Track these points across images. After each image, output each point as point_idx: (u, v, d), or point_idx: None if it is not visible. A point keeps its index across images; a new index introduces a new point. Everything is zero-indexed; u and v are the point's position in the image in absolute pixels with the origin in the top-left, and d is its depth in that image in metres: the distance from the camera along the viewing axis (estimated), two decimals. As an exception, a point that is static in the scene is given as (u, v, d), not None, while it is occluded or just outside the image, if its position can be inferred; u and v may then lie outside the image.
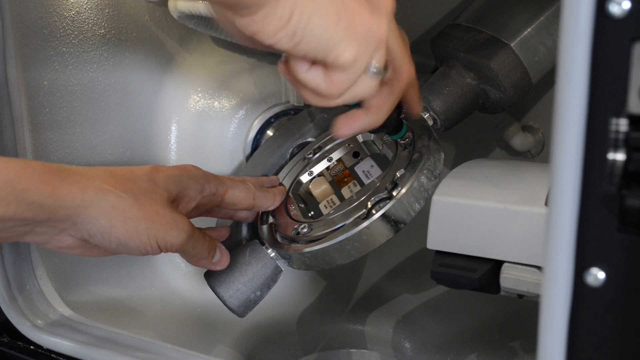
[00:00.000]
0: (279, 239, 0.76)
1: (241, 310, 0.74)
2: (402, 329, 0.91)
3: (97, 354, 0.76)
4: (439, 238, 0.67)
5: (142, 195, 0.64)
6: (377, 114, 0.63)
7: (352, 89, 0.57)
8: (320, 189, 0.81)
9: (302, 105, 0.85)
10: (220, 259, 0.72)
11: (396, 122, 0.70)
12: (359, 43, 0.54)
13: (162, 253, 0.67)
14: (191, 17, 0.85)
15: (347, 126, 0.64)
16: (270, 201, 0.76)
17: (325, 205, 0.78)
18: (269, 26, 0.51)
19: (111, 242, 0.63)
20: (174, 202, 0.67)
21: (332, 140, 0.85)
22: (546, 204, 0.54)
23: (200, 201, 0.71)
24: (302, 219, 0.77)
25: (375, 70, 0.57)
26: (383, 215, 0.70)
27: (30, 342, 0.81)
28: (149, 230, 0.63)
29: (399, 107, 0.68)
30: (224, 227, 0.78)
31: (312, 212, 0.79)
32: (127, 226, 0.62)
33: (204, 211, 0.76)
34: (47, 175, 0.60)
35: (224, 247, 0.73)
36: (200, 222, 0.77)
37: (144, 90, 0.91)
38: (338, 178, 0.81)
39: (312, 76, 0.56)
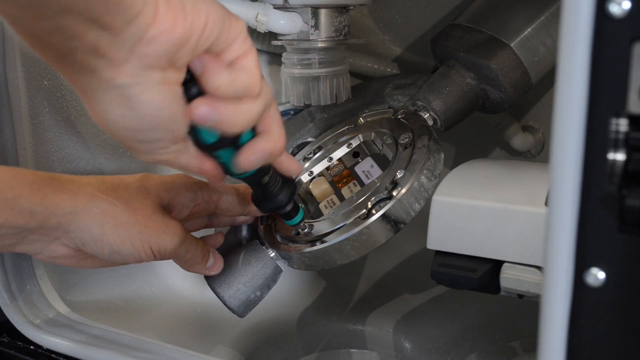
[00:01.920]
0: (278, 239, 0.76)
1: (241, 310, 0.74)
2: (402, 329, 0.91)
3: (97, 354, 0.76)
4: (439, 238, 0.67)
5: (133, 201, 0.64)
6: (272, 136, 0.58)
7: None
8: (320, 189, 0.81)
9: (302, 105, 0.85)
10: (214, 264, 0.72)
11: (288, 198, 0.66)
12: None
13: (157, 260, 0.66)
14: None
15: (253, 154, 0.56)
16: None
17: (325, 205, 0.78)
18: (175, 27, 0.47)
19: (104, 249, 0.63)
20: (166, 209, 0.67)
21: (332, 140, 0.85)
22: (546, 204, 0.54)
23: (193, 209, 0.70)
24: (302, 219, 0.77)
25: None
26: (383, 216, 0.70)
27: (30, 342, 0.81)
28: (142, 235, 0.63)
29: (291, 186, 0.66)
30: (218, 234, 0.78)
31: (312, 212, 0.79)
32: (119, 232, 0.62)
33: (202, 222, 0.76)
34: (38, 183, 0.60)
35: (217, 252, 0.73)
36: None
37: (144, 90, 0.91)
38: (338, 178, 0.81)
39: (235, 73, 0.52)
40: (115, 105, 0.49)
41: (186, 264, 0.69)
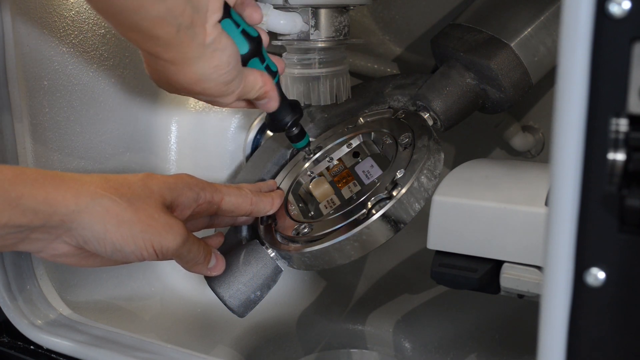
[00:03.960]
0: (279, 239, 0.76)
1: (241, 310, 0.74)
2: (402, 329, 0.91)
3: (97, 354, 0.76)
4: (439, 238, 0.67)
5: (136, 200, 0.64)
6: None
7: None
8: (320, 189, 0.81)
9: (302, 105, 0.85)
10: (216, 265, 0.72)
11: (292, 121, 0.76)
12: None
13: (159, 260, 0.66)
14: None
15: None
16: (268, 205, 0.76)
17: (325, 206, 0.78)
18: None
19: (106, 247, 0.62)
20: (169, 208, 0.67)
21: (332, 140, 0.85)
22: (546, 204, 0.54)
23: (195, 209, 0.70)
24: (302, 219, 0.77)
25: None
26: (383, 215, 0.70)
27: (30, 342, 0.81)
28: (144, 234, 0.63)
29: (297, 112, 0.76)
30: (218, 234, 0.78)
31: (312, 212, 0.79)
32: (121, 230, 0.62)
33: (203, 222, 0.76)
34: (40, 181, 0.60)
35: (219, 252, 0.73)
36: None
37: (144, 90, 0.91)
38: (338, 178, 0.81)
39: None
40: (208, 61, 0.62)
41: (188, 264, 0.69)
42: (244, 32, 0.66)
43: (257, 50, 0.68)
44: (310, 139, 0.88)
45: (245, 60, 0.67)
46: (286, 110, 0.75)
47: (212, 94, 0.66)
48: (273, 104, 0.72)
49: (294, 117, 0.75)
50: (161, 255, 0.65)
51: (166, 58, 0.61)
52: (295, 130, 0.77)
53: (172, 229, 0.64)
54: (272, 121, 0.76)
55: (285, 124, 0.76)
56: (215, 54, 0.62)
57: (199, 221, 0.75)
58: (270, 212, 0.77)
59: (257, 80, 0.69)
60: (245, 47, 0.66)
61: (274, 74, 0.71)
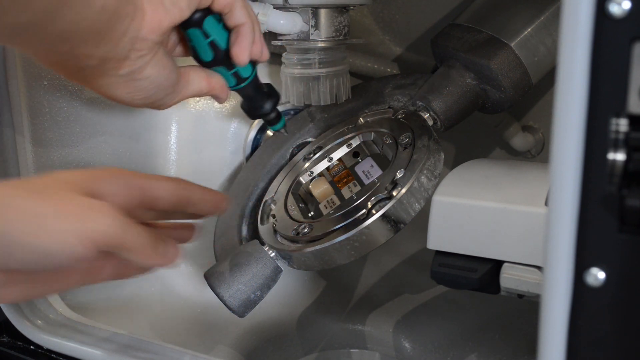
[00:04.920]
0: (279, 239, 0.76)
1: (241, 310, 0.74)
2: (402, 329, 0.91)
3: (97, 354, 0.76)
4: (439, 238, 0.67)
5: (48, 190, 0.53)
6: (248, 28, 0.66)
7: None
8: (320, 189, 0.81)
9: (302, 105, 0.85)
10: (167, 253, 0.58)
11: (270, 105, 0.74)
12: None
13: (100, 254, 0.53)
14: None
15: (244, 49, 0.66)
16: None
17: (325, 206, 0.78)
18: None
19: (25, 254, 0.51)
20: (91, 195, 0.56)
21: (332, 140, 0.85)
22: (546, 204, 0.54)
23: (127, 198, 0.59)
24: (302, 219, 0.77)
25: None
26: (383, 216, 0.70)
27: (30, 342, 0.81)
28: (63, 224, 0.51)
29: (275, 97, 0.73)
30: (187, 225, 0.67)
31: (312, 212, 0.79)
32: (32, 226, 0.51)
33: (156, 215, 0.65)
34: None
35: (173, 240, 0.60)
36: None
37: (144, 90, 0.91)
38: (338, 178, 0.81)
39: None
40: (123, 88, 0.61)
41: (135, 253, 0.56)
42: (212, 44, 0.65)
43: (223, 61, 0.67)
44: (310, 139, 0.88)
45: (209, 66, 0.67)
46: (263, 99, 0.73)
47: (140, 107, 0.66)
48: (221, 100, 0.71)
49: (271, 104, 0.73)
50: (97, 245, 0.53)
51: (75, 80, 0.62)
52: (272, 114, 0.74)
53: (96, 209, 0.53)
54: (249, 109, 0.74)
55: (263, 112, 0.73)
56: (130, 83, 0.61)
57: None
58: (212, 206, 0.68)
59: (201, 86, 0.67)
60: (208, 56, 0.66)
61: (243, 79, 0.69)
